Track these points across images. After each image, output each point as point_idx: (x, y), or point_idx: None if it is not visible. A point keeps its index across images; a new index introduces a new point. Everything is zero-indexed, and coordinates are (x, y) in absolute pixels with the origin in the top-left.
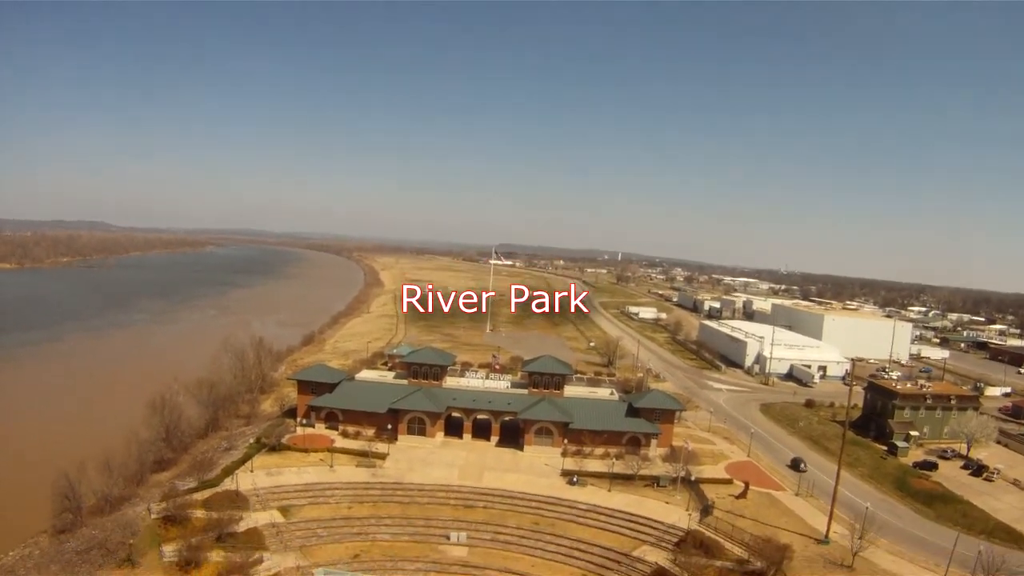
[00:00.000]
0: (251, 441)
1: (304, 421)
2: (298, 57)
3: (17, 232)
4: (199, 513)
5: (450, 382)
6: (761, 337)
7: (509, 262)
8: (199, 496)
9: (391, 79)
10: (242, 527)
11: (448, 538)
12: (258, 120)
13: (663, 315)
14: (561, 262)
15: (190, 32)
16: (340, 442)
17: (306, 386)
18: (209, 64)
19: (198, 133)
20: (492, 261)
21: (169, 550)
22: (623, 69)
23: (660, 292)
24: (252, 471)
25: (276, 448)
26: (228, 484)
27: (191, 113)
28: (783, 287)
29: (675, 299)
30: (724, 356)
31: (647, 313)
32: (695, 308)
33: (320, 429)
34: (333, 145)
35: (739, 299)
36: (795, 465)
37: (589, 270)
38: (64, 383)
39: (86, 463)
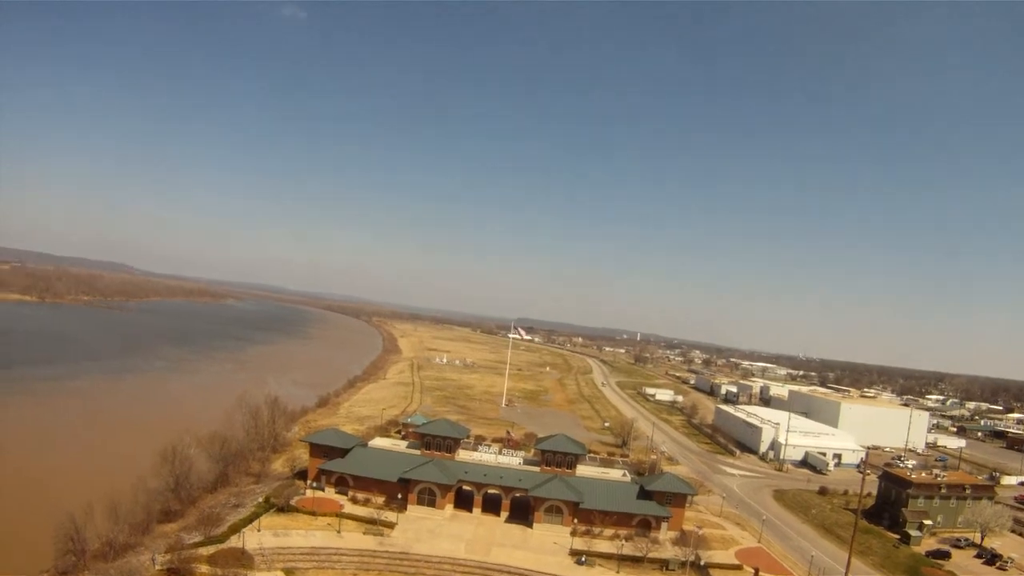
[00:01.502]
0: (260, 500)
1: (314, 484)
2: (326, 122)
3: (39, 266)
4: (203, 568)
5: (463, 455)
6: (777, 423)
7: (528, 337)
8: (204, 551)
9: (413, 146)
10: None
11: None
12: (283, 177)
13: (679, 397)
14: (580, 340)
15: (226, 86)
16: (349, 508)
17: (318, 449)
18: (243, 116)
19: (223, 185)
20: (511, 335)
21: None
22: (642, 144)
23: (677, 374)
24: (259, 530)
25: (285, 509)
26: (234, 541)
27: (219, 165)
28: (801, 373)
29: (692, 382)
30: (739, 441)
31: (664, 395)
32: (712, 392)
33: (330, 493)
34: (357, 208)
35: (756, 384)
36: None
37: (607, 349)
38: (78, 422)
39: (93, 506)
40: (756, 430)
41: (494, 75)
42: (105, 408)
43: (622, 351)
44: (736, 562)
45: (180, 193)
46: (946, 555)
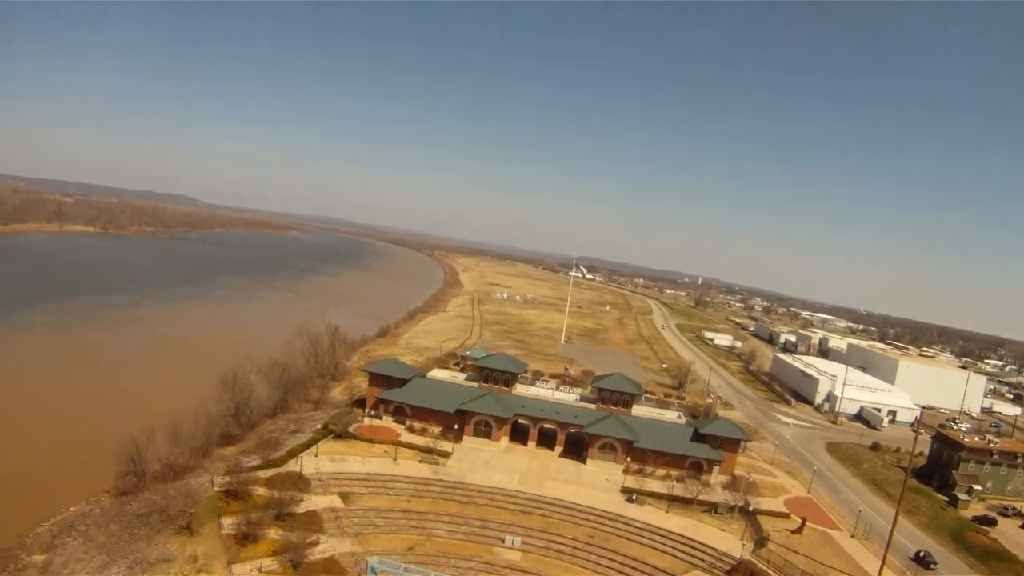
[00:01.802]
0: (318, 426)
1: (372, 412)
2: (394, 57)
3: (103, 198)
4: (261, 490)
5: (520, 389)
6: (834, 375)
7: (589, 276)
8: (262, 474)
9: (482, 87)
10: (302, 508)
11: (503, 541)
12: (348, 112)
13: (738, 343)
14: (641, 280)
15: (290, 28)
16: (406, 437)
17: (377, 379)
18: (307, 54)
19: (291, 119)
20: (573, 273)
21: (228, 523)
22: (704, 95)
23: (737, 320)
24: (317, 455)
25: (342, 436)
26: (292, 466)
27: (285, 99)
28: (861, 327)
29: (751, 328)
30: (795, 391)
31: (722, 340)
32: (771, 339)
33: (387, 422)
34: (423, 143)
35: (815, 335)
36: (924, 563)
37: (668, 291)
38: (140, 349)
39: (155, 430)
40: (813, 381)
41: (558, 29)
42: (167, 336)
43: (683, 294)
44: (784, 510)
45: (247, 127)
46: (992, 522)
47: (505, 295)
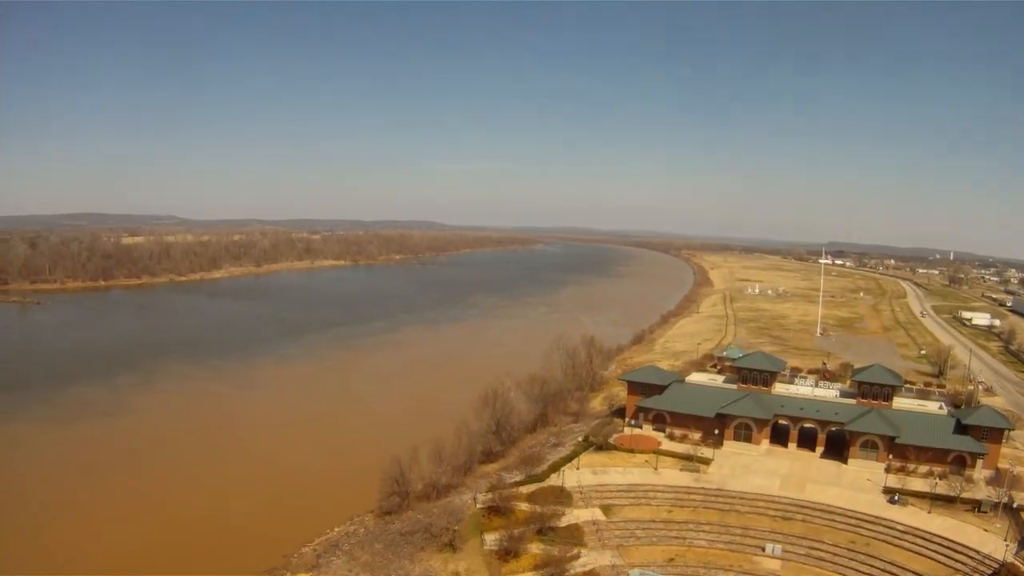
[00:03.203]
0: (579, 439)
1: (632, 422)
2: (618, 53)
3: (350, 232)
4: (523, 505)
5: (779, 388)
6: None
7: (840, 262)
8: (524, 489)
9: (706, 76)
10: (563, 522)
11: (763, 549)
12: (581, 120)
13: (997, 321)
14: (892, 262)
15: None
16: (666, 444)
17: (636, 387)
18: (531, 69)
19: (525, 133)
20: (822, 261)
21: (491, 539)
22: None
23: (994, 296)
24: (578, 468)
25: (603, 447)
26: (554, 480)
27: (518, 116)
28: None
29: (1009, 304)
30: None
31: (980, 319)
32: None
33: (647, 430)
34: (658, 141)
35: None
36: None
37: (920, 271)
38: (399, 373)
39: (418, 450)
40: None
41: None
42: (425, 358)
43: (935, 272)
44: None
45: (483, 145)
46: None
47: (756, 290)
